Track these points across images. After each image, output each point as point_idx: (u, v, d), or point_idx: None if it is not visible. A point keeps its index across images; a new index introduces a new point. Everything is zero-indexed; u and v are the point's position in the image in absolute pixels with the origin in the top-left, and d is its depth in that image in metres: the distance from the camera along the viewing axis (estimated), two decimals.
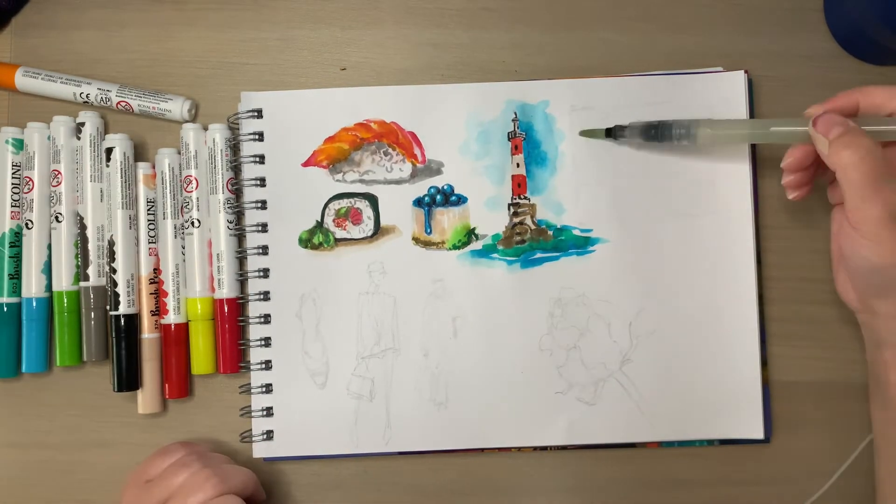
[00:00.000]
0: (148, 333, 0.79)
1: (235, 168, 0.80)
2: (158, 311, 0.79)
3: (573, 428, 0.78)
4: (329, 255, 0.80)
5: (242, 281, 0.80)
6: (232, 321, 0.79)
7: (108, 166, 0.78)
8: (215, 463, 0.73)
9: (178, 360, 0.79)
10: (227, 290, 0.79)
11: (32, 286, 0.79)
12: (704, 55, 0.81)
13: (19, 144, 0.79)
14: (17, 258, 0.79)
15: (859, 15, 0.77)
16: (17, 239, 0.79)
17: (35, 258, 0.79)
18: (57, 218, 0.79)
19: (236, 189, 0.80)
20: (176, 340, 0.79)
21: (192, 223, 0.79)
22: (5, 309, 0.79)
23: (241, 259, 0.80)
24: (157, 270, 0.79)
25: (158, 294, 0.79)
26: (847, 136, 0.65)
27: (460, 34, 0.83)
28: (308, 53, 0.83)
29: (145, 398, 0.79)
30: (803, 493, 0.80)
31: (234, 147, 0.80)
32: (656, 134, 0.75)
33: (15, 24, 0.83)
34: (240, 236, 0.80)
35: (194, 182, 0.79)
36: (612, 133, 0.78)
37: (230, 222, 0.79)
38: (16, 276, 0.79)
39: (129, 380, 0.79)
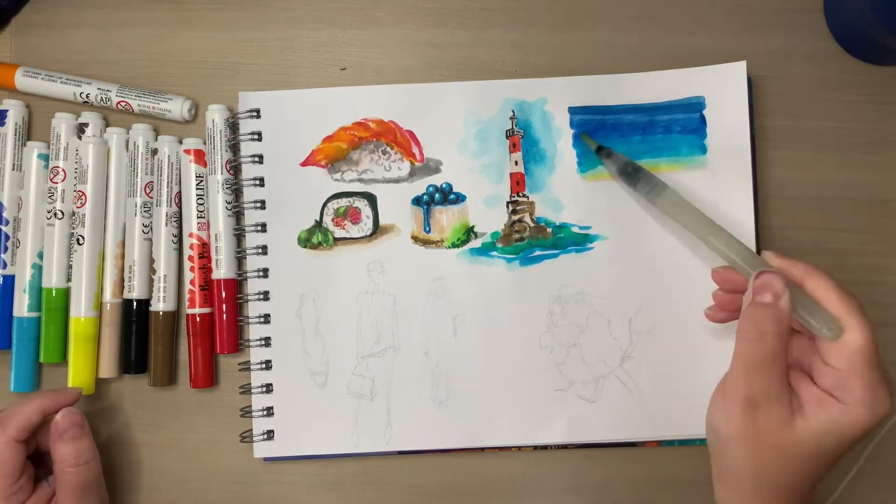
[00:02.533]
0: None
1: (235, 168, 0.80)
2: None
3: (574, 425, 0.78)
4: (328, 255, 0.80)
5: (242, 281, 0.80)
6: (230, 300, 0.80)
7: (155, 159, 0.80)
8: None
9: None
10: (224, 272, 0.79)
11: (24, 306, 0.79)
12: (704, 55, 0.81)
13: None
14: None
15: (859, 15, 0.77)
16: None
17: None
18: (56, 215, 0.79)
19: (235, 189, 0.80)
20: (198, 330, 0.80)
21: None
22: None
23: (241, 259, 0.80)
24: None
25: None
26: (762, 317, 0.64)
27: (460, 34, 0.83)
28: (308, 53, 0.83)
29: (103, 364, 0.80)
30: None
31: (234, 147, 0.80)
32: (629, 176, 0.75)
33: (15, 24, 0.83)
34: (239, 236, 0.80)
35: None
36: (601, 151, 0.78)
37: (229, 210, 0.80)
38: None
39: (136, 362, 0.80)
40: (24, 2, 0.83)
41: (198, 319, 0.79)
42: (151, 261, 0.79)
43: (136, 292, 0.79)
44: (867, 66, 0.82)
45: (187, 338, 0.80)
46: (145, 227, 0.79)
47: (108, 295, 0.79)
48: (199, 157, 0.80)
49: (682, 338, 0.78)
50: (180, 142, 0.80)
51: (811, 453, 0.62)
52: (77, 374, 0.78)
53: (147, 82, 0.82)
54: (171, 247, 0.79)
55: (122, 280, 0.79)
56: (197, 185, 0.79)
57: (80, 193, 0.78)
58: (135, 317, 0.79)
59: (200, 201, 0.79)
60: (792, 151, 0.81)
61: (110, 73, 0.82)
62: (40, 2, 0.83)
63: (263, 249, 0.80)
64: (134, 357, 0.80)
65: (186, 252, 0.79)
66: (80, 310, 0.78)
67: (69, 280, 0.79)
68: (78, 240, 0.78)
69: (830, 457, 0.63)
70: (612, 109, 0.79)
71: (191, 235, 0.79)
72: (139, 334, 0.80)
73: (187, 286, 0.79)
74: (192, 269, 0.79)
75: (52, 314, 0.79)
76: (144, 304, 0.80)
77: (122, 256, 0.79)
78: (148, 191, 0.79)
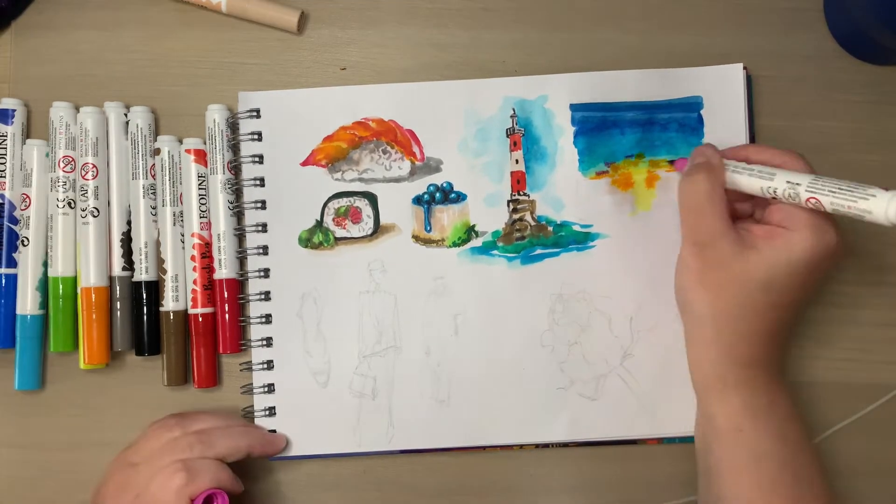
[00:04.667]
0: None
1: (236, 168, 0.80)
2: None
3: (575, 423, 0.78)
4: (329, 255, 0.80)
5: (243, 281, 0.80)
6: (232, 300, 0.80)
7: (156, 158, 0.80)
8: (194, 449, 0.73)
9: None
10: (226, 272, 0.80)
11: (28, 303, 0.79)
12: (704, 55, 0.81)
13: None
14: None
15: (859, 15, 0.77)
16: None
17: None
18: (69, 205, 0.80)
19: (236, 190, 0.80)
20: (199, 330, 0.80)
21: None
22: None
23: (242, 259, 0.80)
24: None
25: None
26: (693, 169, 0.72)
27: (460, 34, 0.83)
28: (308, 53, 0.83)
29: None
30: None
31: (234, 147, 0.80)
32: None
33: (15, 25, 0.83)
34: (240, 236, 0.80)
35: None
36: None
37: (231, 210, 0.80)
38: None
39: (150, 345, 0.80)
40: (25, 4, 0.83)
41: (200, 319, 0.79)
42: (159, 256, 0.80)
43: (147, 274, 0.80)
44: (867, 66, 0.82)
45: (190, 338, 0.80)
46: (152, 208, 0.80)
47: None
48: (200, 156, 0.80)
49: (682, 336, 0.78)
50: (180, 142, 0.80)
51: (763, 282, 0.68)
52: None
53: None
54: (179, 246, 0.80)
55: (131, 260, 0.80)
56: (199, 184, 0.79)
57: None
58: (145, 299, 0.80)
59: (202, 201, 0.79)
60: None
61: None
62: (40, 2, 0.83)
63: (264, 249, 0.80)
64: (147, 340, 0.80)
65: (189, 252, 0.79)
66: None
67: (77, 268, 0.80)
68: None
69: (782, 285, 0.67)
70: (613, 106, 0.79)
71: (193, 235, 0.79)
72: (150, 317, 0.80)
73: (190, 286, 0.79)
74: (194, 268, 0.79)
75: (62, 302, 0.79)
76: (153, 286, 0.80)
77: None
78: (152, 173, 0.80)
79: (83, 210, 0.79)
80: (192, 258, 0.79)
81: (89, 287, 0.79)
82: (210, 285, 0.79)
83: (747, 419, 0.69)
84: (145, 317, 0.80)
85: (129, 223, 0.80)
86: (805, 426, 0.72)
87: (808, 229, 0.67)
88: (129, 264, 0.80)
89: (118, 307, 0.80)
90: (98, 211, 0.79)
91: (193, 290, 0.79)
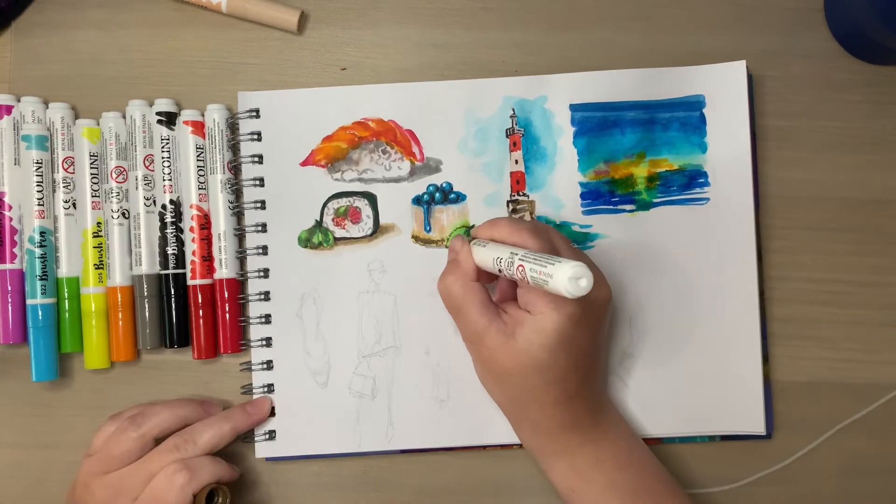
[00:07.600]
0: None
1: (235, 168, 0.80)
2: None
3: None
4: (329, 255, 0.80)
5: (243, 281, 0.80)
6: (232, 300, 0.80)
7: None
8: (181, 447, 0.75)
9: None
10: (226, 271, 0.80)
11: (37, 293, 0.79)
12: (704, 54, 0.81)
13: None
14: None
15: (859, 15, 0.77)
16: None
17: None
18: (74, 205, 0.80)
19: (236, 190, 0.80)
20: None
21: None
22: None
23: (242, 259, 0.80)
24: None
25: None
26: (445, 271, 0.72)
27: (460, 34, 0.83)
28: (308, 53, 0.83)
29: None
30: (804, 492, 0.80)
31: (234, 147, 0.80)
32: None
33: (15, 25, 0.83)
34: (239, 237, 0.80)
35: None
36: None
37: (231, 210, 0.80)
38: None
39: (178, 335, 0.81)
40: (25, 4, 0.83)
41: (199, 290, 0.79)
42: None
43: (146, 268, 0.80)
44: (867, 66, 0.82)
45: (189, 308, 0.80)
46: (147, 202, 0.80)
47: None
48: (198, 128, 0.79)
49: (681, 336, 0.78)
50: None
51: (531, 366, 0.67)
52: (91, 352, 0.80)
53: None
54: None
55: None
56: (197, 156, 0.79)
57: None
58: (173, 290, 0.80)
59: (201, 173, 0.79)
60: (792, 151, 0.81)
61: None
62: (40, 2, 0.83)
63: (264, 250, 0.80)
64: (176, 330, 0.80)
65: (188, 223, 0.79)
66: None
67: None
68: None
69: (550, 364, 0.67)
70: (613, 106, 0.79)
71: (192, 206, 0.79)
72: (178, 308, 0.80)
73: (189, 257, 0.79)
74: (193, 240, 0.79)
75: (68, 303, 0.80)
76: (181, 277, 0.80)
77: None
78: (147, 164, 0.80)
79: (114, 213, 0.80)
80: (192, 229, 0.79)
81: (115, 286, 0.79)
82: (209, 256, 0.79)
83: (576, 480, 0.72)
84: (168, 309, 0.80)
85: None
86: (641, 468, 0.73)
87: (547, 307, 0.65)
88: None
89: (146, 305, 0.80)
90: (128, 213, 0.80)
91: (192, 262, 0.79)
